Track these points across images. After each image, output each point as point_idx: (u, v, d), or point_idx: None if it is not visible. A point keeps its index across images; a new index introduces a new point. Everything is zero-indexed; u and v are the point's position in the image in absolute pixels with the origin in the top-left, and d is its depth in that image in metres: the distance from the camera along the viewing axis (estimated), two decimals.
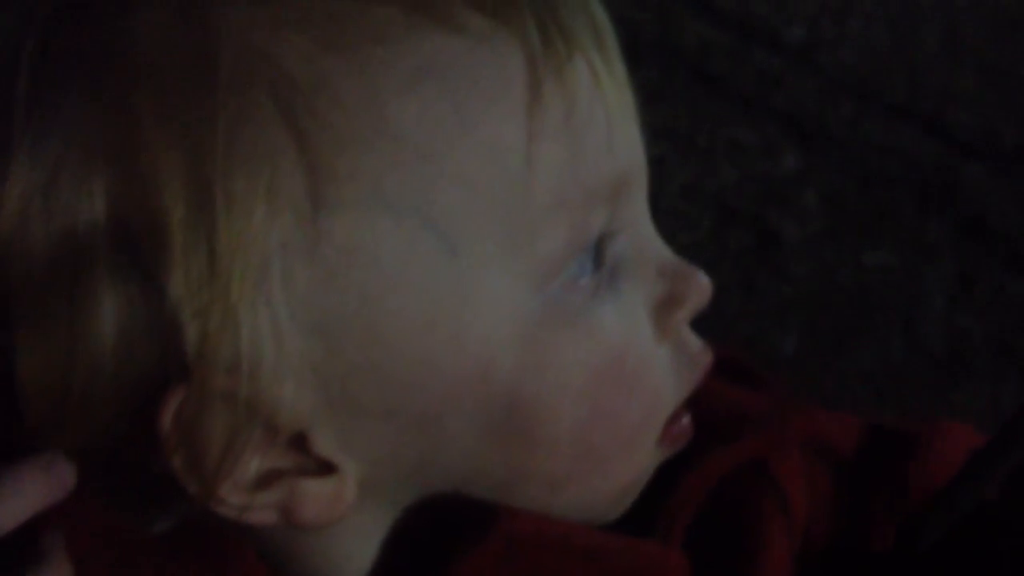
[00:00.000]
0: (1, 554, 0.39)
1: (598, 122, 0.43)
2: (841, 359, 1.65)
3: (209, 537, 0.42)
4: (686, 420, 0.47)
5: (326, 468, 0.42)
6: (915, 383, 1.62)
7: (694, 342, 0.47)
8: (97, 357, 0.39)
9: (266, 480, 0.41)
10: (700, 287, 0.46)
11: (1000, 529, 0.49)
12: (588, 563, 0.45)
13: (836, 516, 0.52)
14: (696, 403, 0.48)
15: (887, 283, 1.78)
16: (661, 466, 0.48)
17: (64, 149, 0.39)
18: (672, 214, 1.84)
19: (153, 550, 0.42)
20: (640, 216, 0.46)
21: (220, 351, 0.39)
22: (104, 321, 0.39)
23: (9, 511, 0.39)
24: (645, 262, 0.45)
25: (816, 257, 1.81)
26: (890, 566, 0.50)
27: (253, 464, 0.41)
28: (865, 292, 1.76)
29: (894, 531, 0.51)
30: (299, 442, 0.42)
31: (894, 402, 1.57)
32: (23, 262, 0.39)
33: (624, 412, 0.44)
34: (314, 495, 0.42)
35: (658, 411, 0.46)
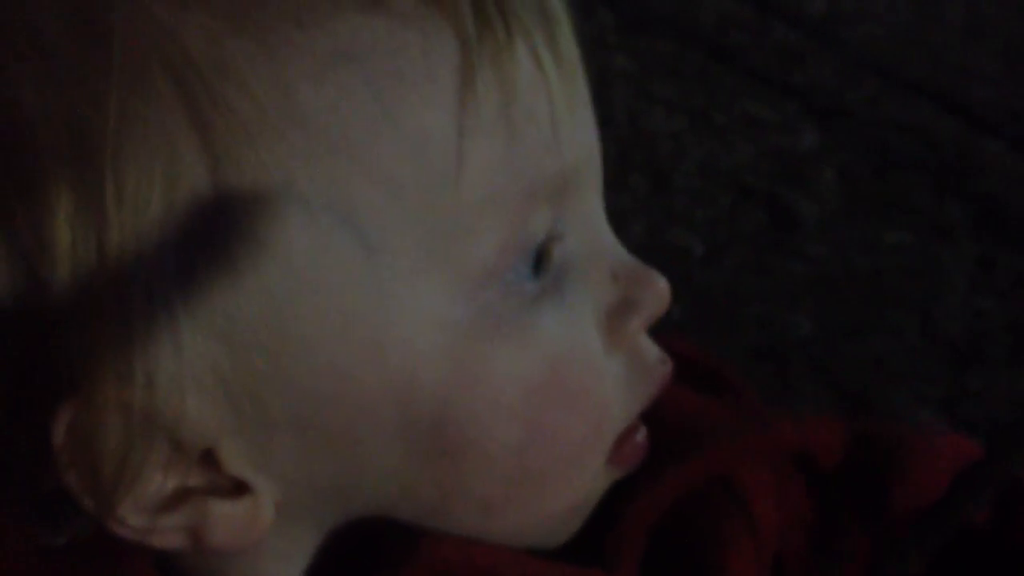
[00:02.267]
0: None
1: (540, 115, 0.39)
2: (855, 342, 1.63)
3: (103, 551, 0.39)
4: (640, 437, 0.44)
5: (239, 488, 0.39)
6: (930, 367, 1.60)
7: (651, 351, 0.44)
8: None
9: (172, 501, 0.38)
10: (657, 292, 0.43)
11: (990, 556, 0.46)
12: None
13: (811, 534, 0.48)
14: (653, 416, 0.44)
15: (904, 265, 1.76)
16: (617, 484, 0.44)
17: None
18: (687, 192, 1.83)
19: (41, 562, 0.39)
20: (592, 216, 0.42)
21: (110, 361, 0.36)
22: None
23: None
24: (596, 266, 0.42)
25: (833, 237, 1.80)
26: None
27: (156, 483, 0.38)
28: (882, 273, 1.74)
29: (870, 551, 0.47)
30: (208, 459, 0.39)
31: (908, 386, 1.56)
32: None
33: (565, 430, 0.41)
34: (226, 517, 0.39)
35: (605, 428, 0.42)
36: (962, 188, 1.90)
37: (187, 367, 0.37)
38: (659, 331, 0.46)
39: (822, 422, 0.50)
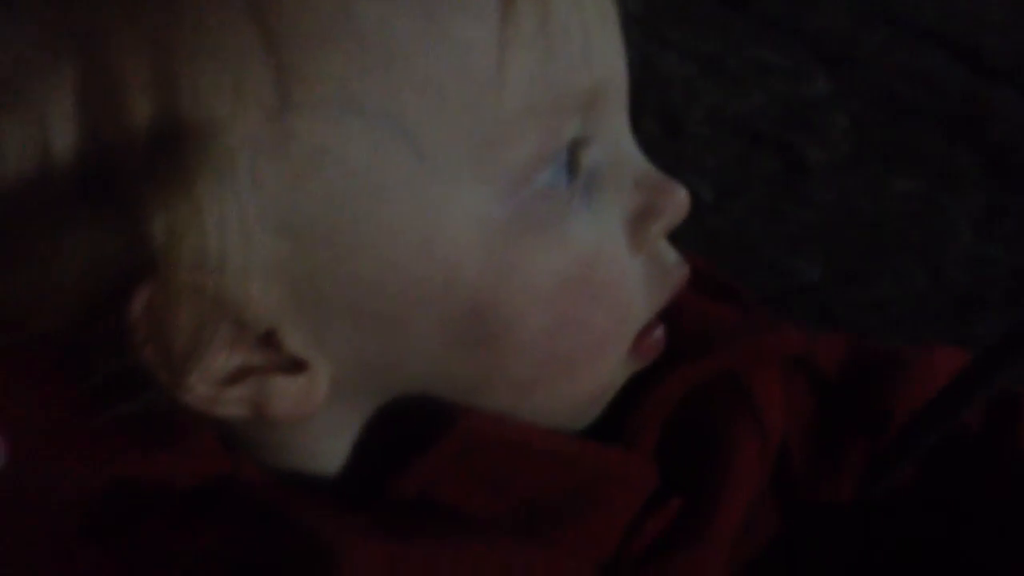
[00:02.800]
0: None
1: (574, 32, 0.42)
2: (862, 287, 1.64)
3: (168, 418, 0.42)
4: (658, 333, 0.48)
5: (297, 366, 0.43)
6: (936, 314, 1.61)
7: (670, 255, 0.47)
8: (69, 247, 0.40)
9: (236, 375, 0.42)
10: (677, 200, 0.46)
11: (981, 461, 0.49)
12: (547, 465, 0.45)
13: (813, 434, 0.52)
14: (671, 317, 0.48)
15: (912, 212, 1.77)
16: (633, 379, 0.48)
17: (30, 44, 0.39)
18: (697, 137, 1.83)
19: (116, 430, 0.42)
20: (618, 129, 0.46)
21: (187, 247, 0.39)
22: (75, 212, 0.40)
23: None
24: (622, 174, 0.45)
25: (842, 184, 1.80)
26: (862, 505, 0.50)
27: (222, 359, 0.41)
28: (890, 220, 1.75)
29: (869, 454, 0.51)
30: (270, 339, 0.42)
31: (913, 332, 1.57)
32: None
33: (592, 320, 0.45)
34: (284, 391, 0.42)
35: (628, 322, 0.46)
36: (972, 136, 1.90)
37: (255, 256, 0.40)
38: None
39: (825, 334, 0.55)
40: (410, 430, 0.44)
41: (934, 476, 0.50)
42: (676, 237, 0.49)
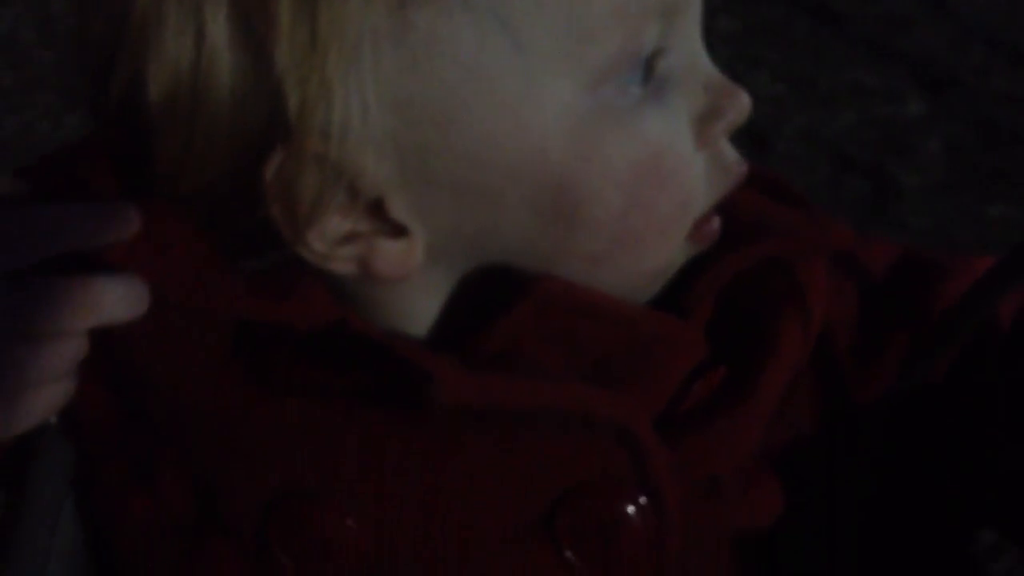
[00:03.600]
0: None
1: None
2: None
3: (284, 272, 0.49)
4: (716, 222, 0.52)
5: (399, 231, 0.49)
6: None
7: (730, 153, 0.52)
8: (216, 114, 0.46)
9: (348, 237, 0.48)
10: (739, 103, 0.51)
11: (1009, 360, 0.53)
12: (612, 325, 0.51)
13: (857, 328, 0.56)
14: (729, 210, 0.53)
15: (1008, 239, 1.73)
16: (690, 262, 0.53)
17: None
18: (787, 158, 1.81)
19: (247, 281, 0.49)
20: (691, 36, 0.50)
21: (316, 117, 0.45)
22: (223, 83, 0.46)
23: (56, 236, 0.47)
24: (692, 77, 0.50)
25: (935, 209, 1.77)
26: (895, 396, 0.54)
27: (335, 222, 0.48)
28: (984, 247, 1.72)
29: (909, 349, 0.54)
30: (377, 207, 0.48)
31: None
32: (157, 32, 0.46)
33: (658, 204, 0.50)
34: (387, 252, 0.49)
35: (690, 208, 0.51)
36: None
37: (371, 130, 0.46)
38: None
39: (877, 239, 0.60)
40: (494, 294, 0.50)
41: (966, 369, 0.54)
42: None
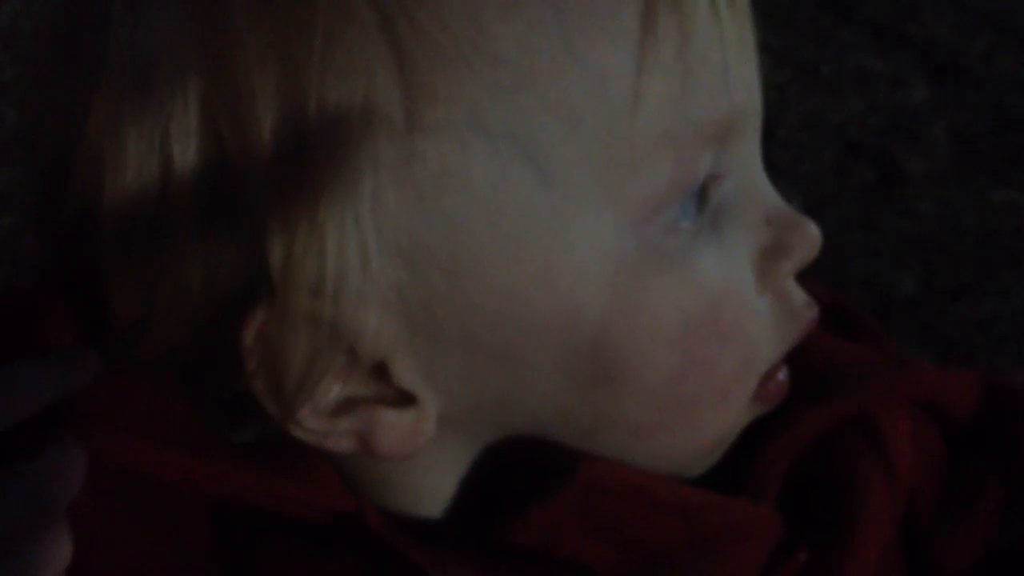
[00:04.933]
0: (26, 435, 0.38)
1: (714, 59, 0.40)
2: (961, 303, 1.60)
3: (285, 447, 0.42)
4: (783, 376, 0.45)
5: (406, 399, 0.41)
6: None
7: (798, 295, 0.45)
8: (184, 266, 0.39)
9: (345, 407, 0.41)
10: (809, 238, 0.44)
11: None
12: (670, 517, 0.43)
13: (946, 482, 0.49)
14: (796, 357, 0.46)
15: (1015, 225, 1.72)
16: (755, 422, 0.46)
17: (158, 57, 0.38)
18: (791, 145, 1.80)
19: (232, 456, 0.42)
20: (751, 160, 0.43)
21: (305, 271, 0.38)
22: (192, 229, 0.39)
23: (24, 398, 0.38)
24: (752, 208, 0.43)
25: (941, 195, 1.76)
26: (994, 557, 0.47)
27: (333, 390, 0.40)
28: (991, 234, 1.70)
29: (1005, 501, 0.48)
30: (380, 371, 0.41)
31: (1014, 350, 1.52)
32: (113, 163, 0.39)
33: (718, 362, 0.43)
34: (392, 425, 0.41)
35: (754, 364, 0.44)
36: None
37: (372, 284, 0.39)
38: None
39: (958, 373, 0.52)
40: (523, 474, 0.43)
41: None
42: None
